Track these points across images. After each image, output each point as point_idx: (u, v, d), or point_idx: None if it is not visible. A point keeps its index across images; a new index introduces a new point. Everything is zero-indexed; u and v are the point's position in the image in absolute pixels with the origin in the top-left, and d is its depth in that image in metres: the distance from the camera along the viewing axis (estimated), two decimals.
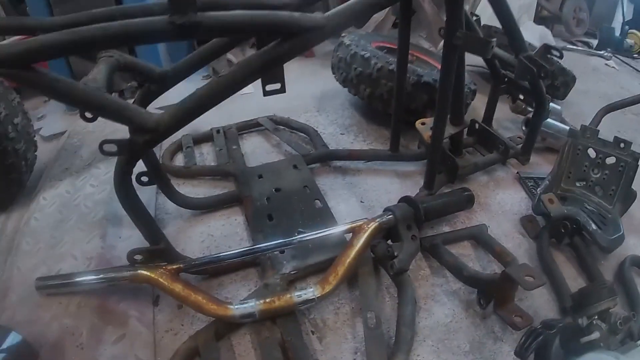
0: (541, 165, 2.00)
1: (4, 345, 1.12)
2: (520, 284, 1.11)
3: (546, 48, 1.55)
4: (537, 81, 1.57)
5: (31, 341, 1.17)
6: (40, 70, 0.87)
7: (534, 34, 3.77)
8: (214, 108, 1.02)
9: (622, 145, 1.64)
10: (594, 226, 1.49)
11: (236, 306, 1.14)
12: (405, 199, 1.41)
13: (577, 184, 1.72)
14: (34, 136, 1.86)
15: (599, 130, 1.73)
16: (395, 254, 1.26)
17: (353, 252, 1.23)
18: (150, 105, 1.36)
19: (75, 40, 0.81)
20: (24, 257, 1.51)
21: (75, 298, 1.31)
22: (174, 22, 0.78)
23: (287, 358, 1.10)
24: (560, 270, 1.42)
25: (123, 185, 1.03)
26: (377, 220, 1.31)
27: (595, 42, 4.17)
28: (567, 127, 2.00)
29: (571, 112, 2.59)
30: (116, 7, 1.12)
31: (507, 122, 2.38)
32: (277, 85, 1.13)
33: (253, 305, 1.14)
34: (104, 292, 1.31)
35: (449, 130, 1.65)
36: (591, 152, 1.71)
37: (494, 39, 1.24)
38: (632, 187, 1.63)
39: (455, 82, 1.53)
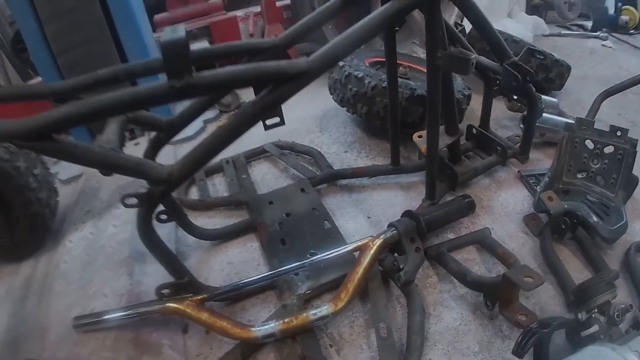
0: (542, 161, 2.04)
1: None
2: (519, 286, 1.18)
3: (529, 52, 1.61)
4: (524, 85, 1.63)
5: None
6: (59, 139, 0.98)
7: (527, 25, 3.83)
8: None
9: (618, 133, 1.69)
10: (594, 218, 1.53)
11: (258, 328, 1.24)
12: (407, 214, 1.50)
13: (579, 176, 1.78)
14: (54, 183, 1.97)
15: (594, 121, 1.78)
16: (401, 266, 1.34)
17: (361, 269, 1.31)
18: None
19: (89, 112, 0.92)
20: (58, 299, 1.63)
21: (111, 332, 1.43)
22: (173, 86, 0.89)
23: None
24: (565, 265, 1.46)
25: (145, 231, 1.14)
26: (382, 236, 1.39)
27: (590, 24, 4.16)
28: (565, 120, 2.05)
29: (570, 100, 2.65)
30: (120, 66, 1.22)
31: (505, 120, 2.44)
32: (277, 119, 1.23)
33: (273, 326, 1.23)
34: (137, 324, 1.42)
35: (445, 140, 1.73)
36: (589, 144, 1.76)
37: (474, 56, 1.32)
38: (633, 172, 1.67)
39: (445, 94, 1.61)
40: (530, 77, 1.56)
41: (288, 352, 1.23)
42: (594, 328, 1.13)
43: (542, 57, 1.64)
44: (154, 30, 3.22)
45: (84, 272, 1.72)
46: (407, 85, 1.98)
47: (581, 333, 1.15)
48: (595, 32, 3.98)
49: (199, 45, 3.20)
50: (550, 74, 2.54)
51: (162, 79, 0.93)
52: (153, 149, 1.34)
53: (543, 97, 2.31)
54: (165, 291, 1.34)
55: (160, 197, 1.03)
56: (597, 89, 2.35)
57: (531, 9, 4.34)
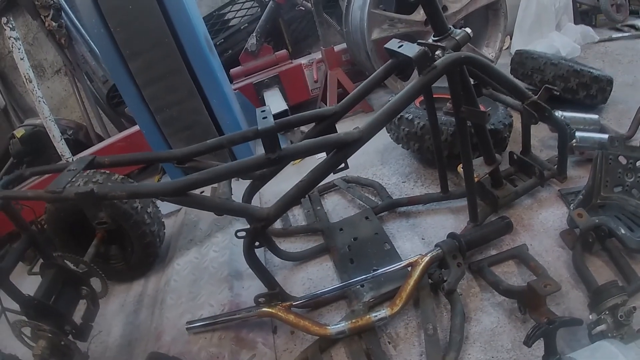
0: (584, 178, 2.12)
1: None
2: (538, 292, 1.43)
3: (547, 89, 1.83)
4: (547, 119, 1.82)
5: None
6: (191, 194, 1.41)
7: (574, 36, 3.79)
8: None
9: None
10: (622, 230, 1.65)
11: (332, 327, 1.60)
12: (450, 235, 1.80)
13: (615, 190, 1.91)
14: (162, 218, 2.44)
15: (625, 138, 1.92)
16: (445, 278, 1.64)
17: (412, 281, 1.63)
18: None
19: (212, 177, 1.36)
20: (170, 309, 2.05)
21: (216, 333, 1.83)
22: (269, 158, 1.31)
23: None
24: (597, 274, 1.59)
25: (250, 255, 1.56)
26: (429, 254, 1.71)
27: None
28: (606, 136, 2.13)
29: (617, 111, 2.68)
30: (224, 136, 1.64)
31: (550, 140, 2.52)
32: (342, 165, 1.60)
33: (343, 325, 1.59)
34: (237, 327, 1.81)
35: (484, 170, 1.96)
36: (622, 159, 1.90)
37: (489, 109, 1.63)
38: None
39: (479, 131, 1.89)
40: (548, 113, 1.77)
41: (355, 347, 1.58)
42: (602, 327, 1.33)
43: (557, 93, 1.82)
44: (231, 82, 3.67)
45: (192, 287, 2.13)
46: (451, 123, 2.20)
47: (591, 331, 1.36)
48: None
49: (271, 92, 3.64)
50: (590, 90, 2.61)
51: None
52: (250, 194, 1.77)
53: (582, 116, 2.45)
54: (261, 299, 1.74)
55: (261, 231, 1.45)
56: None
57: (580, 16, 4.26)
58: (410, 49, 1.48)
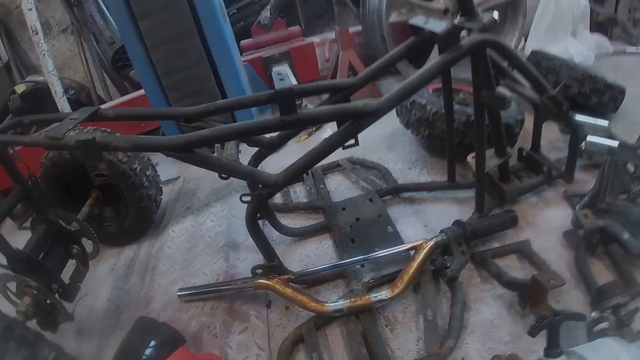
0: (590, 182, 2.05)
1: (160, 331, 1.60)
2: (543, 285, 1.40)
3: (565, 87, 1.78)
4: (561, 116, 1.82)
5: None
6: (198, 152, 1.36)
7: (589, 45, 3.73)
8: None
9: None
10: (626, 235, 1.64)
11: (330, 304, 1.57)
12: (456, 222, 1.77)
13: (620, 197, 1.86)
14: (160, 183, 2.39)
15: (635, 146, 1.90)
16: (448, 265, 1.62)
17: (415, 264, 1.60)
18: None
19: (220, 135, 1.31)
20: (163, 276, 2.01)
21: (209, 302, 1.79)
22: (284, 120, 1.26)
23: (367, 344, 1.50)
24: (598, 277, 1.57)
25: (252, 222, 1.51)
26: (434, 239, 1.68)
27: None
28: (615, 142, 2.12)
29: (628, 123, 2.64)
30: (234, 98, 1.59)
31: (559, 142, 2.50)
32: (352, 141, 1.55)
33: (342, 304, 1.56)
34: (230, 298, 1.77)
35: (495, 161, 1.94)
36: (630, 167, 1.84)
37: (511, 96, 1.59)
38: None
39: (494, 122, 1.85)
40: (566, 109, 1.75)
41: (352, 327, 1.55)
42: (603, 325, 1.32)
43: (576, 91, 1.81)
44: (241, 53, 3.61)
45: (186, 255, 2.09)
46: (464, 112, 2.18)
47: (593, 328, 1.35)
48: None
49: (280, 68, 3.58)
50: (603, 97, 2.59)
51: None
52: (256, 161, 1.73)
53: (593, 121, 2.40)
54: (259, 270, 1.70)
55: (267, 197, 1.41)
56: None
57: (596, 26, 4.20)
58: (438, 26, 1.43)
